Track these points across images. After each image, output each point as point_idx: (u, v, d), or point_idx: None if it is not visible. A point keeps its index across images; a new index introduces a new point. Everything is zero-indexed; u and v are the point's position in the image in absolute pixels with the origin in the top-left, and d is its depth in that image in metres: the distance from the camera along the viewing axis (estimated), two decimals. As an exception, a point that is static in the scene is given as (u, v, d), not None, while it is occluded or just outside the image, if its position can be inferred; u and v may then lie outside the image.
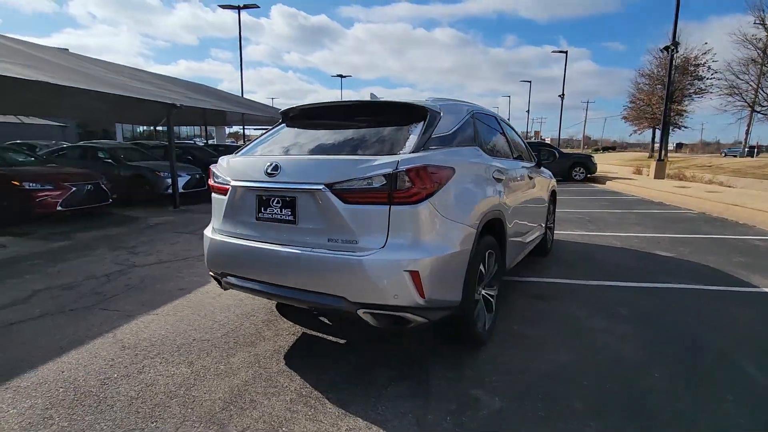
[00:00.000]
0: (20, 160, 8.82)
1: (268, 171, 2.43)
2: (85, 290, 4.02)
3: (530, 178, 4.07)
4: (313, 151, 2.65)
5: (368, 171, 2.18)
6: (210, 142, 29.17)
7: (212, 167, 2.86)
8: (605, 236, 6.48)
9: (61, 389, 2.38)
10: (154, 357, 2.75)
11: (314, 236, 2.32)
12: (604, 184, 15.04)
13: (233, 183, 2.61)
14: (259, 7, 23.04)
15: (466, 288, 2.48)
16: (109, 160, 10.30)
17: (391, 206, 2.16)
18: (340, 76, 39.63)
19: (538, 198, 4.47)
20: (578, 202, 10.61)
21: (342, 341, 3.01)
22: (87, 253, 5.51)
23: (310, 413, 2.17)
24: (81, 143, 13.00)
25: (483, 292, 2.91)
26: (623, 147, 64.32)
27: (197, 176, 10.49)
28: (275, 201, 2.44)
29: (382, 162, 2.19)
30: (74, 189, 7.62)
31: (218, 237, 2.71)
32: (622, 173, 19.77)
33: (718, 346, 2.90)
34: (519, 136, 4.52)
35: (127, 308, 3.59)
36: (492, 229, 2.97)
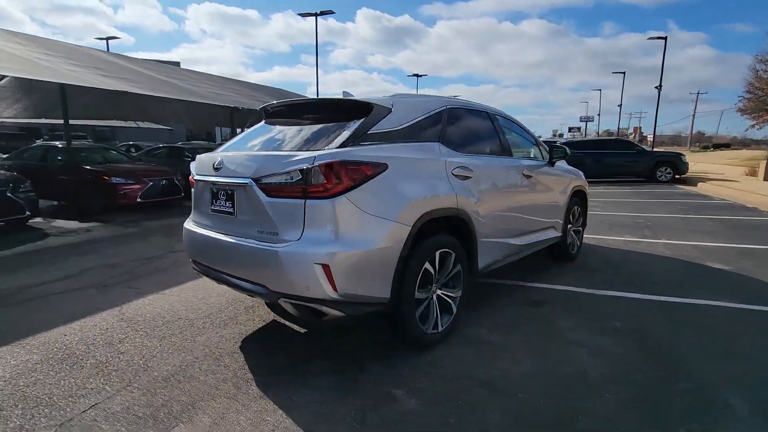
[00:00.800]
0: (115, 156, 10.29)
1: (215, 166, 2.64)
2: (123, 270, 4.65)
3: (530, 176, 3.81)
4: (263, 147, 2.81)
5: (287, 166, 2.28)
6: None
7: (191, 163, 3.16)
8: (655, 243, 5.78)
9: (55, 349, 2.83)
10: (139, 330, 3.13)
11: (247, 227, 2.47)
12: (695, 186, 13.19)
13: (195, 177, 2.88)
14: (334, 12, 24.10)
15: (398, 286, 2.45)
16: (61, 162, 9.02)
17: (306, 200, 2.24)
18: (416, 75, 39.71)
19: (547, 197, 4.17)
20: (645, 205, 9.49)
21: (302, 331, 3.14)
22: (145, 238, 6.32)
23: (231, 392, 2.33)
24: (40, 143, 14.84)
25: (439, 292, 2.84)
26: (744, 144, 55.45)
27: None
28: (222, 194, 2.65)
29: (301, 158, 2.27)
30: (151, 183, 8.74)
31: (190, 226, 3.00)
32: (730, 174, 17.14)
33: (706, 377, 2.49)
34: (525, 132, 4.26)
35: (146, 287, 4.09)
36: (452, 227, 2.89)
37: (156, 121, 25.06)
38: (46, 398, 2.28)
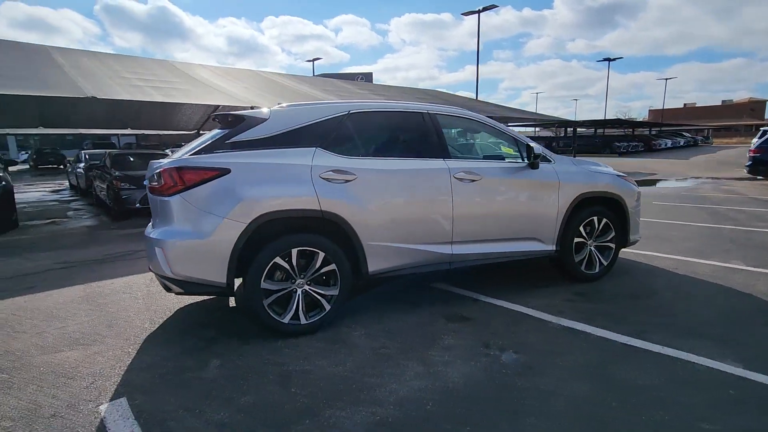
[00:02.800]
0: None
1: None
2: (119, 256, 5.63)
3: (475, 180, 3.46)
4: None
5: (153, 171, 2.91)
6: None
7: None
8: (701, 264, 4.26)
9: (14, 308, 3.99)
10: (82, 303, 3.89)
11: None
12: None
13: None
14: (497, 6, 23.30)
15: (239, 275, 2.82)
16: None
17: (158, 198, 2.83)
18: (608, 59, 34.58)
19: (516, 204, 3.67)
20: None
21: (233, 305, 3.74)
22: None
23: (112, 333, 3.12)
24: None
25: (306, 287, 3.04)
26: None
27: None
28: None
29: (161, 164, 2.87)
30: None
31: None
32: None
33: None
34: (502, 133, 3.84)
35: (123, 270, 4.90)
36: (326, 228, 3.03)
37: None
38: (46, 319, 3.50)
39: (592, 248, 4.10)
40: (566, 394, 2.32)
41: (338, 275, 3.08)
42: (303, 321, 3.02)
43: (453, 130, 4.14)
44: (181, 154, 3.04)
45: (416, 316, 3.39)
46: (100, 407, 2.27)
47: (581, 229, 3.98)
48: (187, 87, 10.65)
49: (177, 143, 25.20)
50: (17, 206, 9.20)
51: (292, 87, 13.66)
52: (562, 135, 34.05)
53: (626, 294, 3.79)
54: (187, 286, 2.84)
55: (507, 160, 3.86)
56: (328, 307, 3.09)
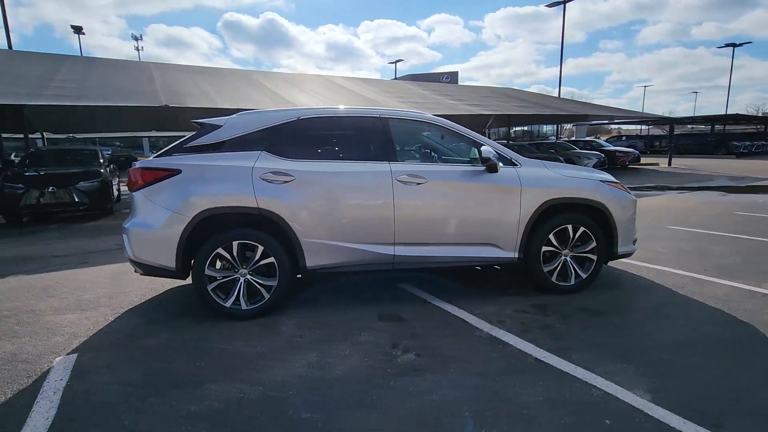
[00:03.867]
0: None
1: None
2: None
3: (420, 183, 3.49)
4: None
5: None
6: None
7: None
8: (719, 285, 3.58)
9: (60, 278, 4.92)
10: (108, 278, 4.68)
11: None
12: None
13: None
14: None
15: (187, 261, 3.27)
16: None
17: (131, 192, 3.39)
18: (732, 45, 29.60)
19: (467, 208, 3.62)
20: None
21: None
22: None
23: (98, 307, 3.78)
24: None
25: (249, 277, 3.39)
26: None
27: None
28: None
29: (134, 164, 3.43)
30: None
31: None
32: None
33: None
34: (460, 136, 3.82)
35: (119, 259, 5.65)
36: (266, 224, 3.36)
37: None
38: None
39: (568, 258, 3.84)
40: (431, 398, 2.33)
41: (277, 268, 3.38)
42: (243, 306, 3.38)
43: (431, 136, 4.18)
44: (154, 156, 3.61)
45: (356, 312, 3.55)
46: (57, 359, 2.85)
47: (551, 237, 3.75)
48: (259, 96, 11.80)
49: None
50: (122, 197, 11.13)
51: (356, 90, 14.29)
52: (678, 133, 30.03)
53: (592, 310, 3.50)
54: (146, 268, 3.37)
55: (471, 164, 3.79)
56: (267, 296, 3.40)
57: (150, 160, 3.43)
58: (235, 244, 3.32)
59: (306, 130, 3.57)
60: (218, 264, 3.39)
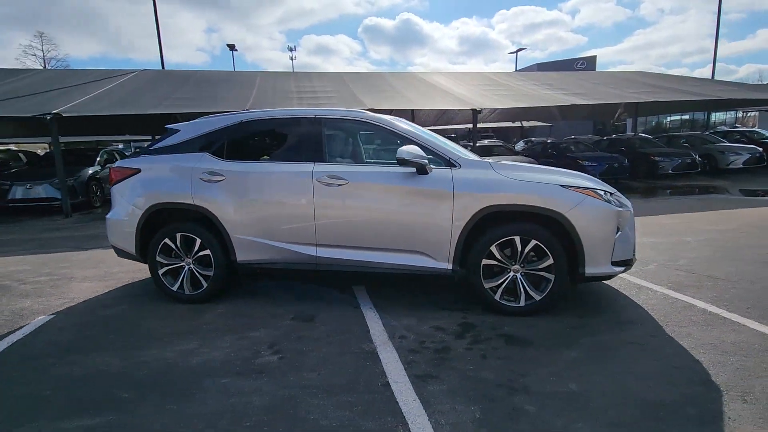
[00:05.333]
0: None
1: None
2: None
3: (342, 184, 3.40)
4: None
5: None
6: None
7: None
8: (732, 323, 2.51)
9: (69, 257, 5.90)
10: (113, 259, 5.48)
11: None
12: None
13: None
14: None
15: (144, 248, 3.81)
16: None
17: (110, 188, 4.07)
18: None
19: (384, 211, 3.41)
20: None
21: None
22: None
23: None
24: None
25: (192, 266, 3.78)
26: None
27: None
28: None
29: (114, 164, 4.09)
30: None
31: None
32: None
33: None
34: (398, 136, 3.54)
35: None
36: (202, 221, 3.70)
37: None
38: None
39: (518, 276, 3.29)
40: (238, 401, 2.33)
41: (212, 260, 3.69)
42: (186, 292, 3.77)
43: (376, 136, 4.00)
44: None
45: (280, 309, 3.63)
46: (36, 319, 3.61)
47: (494, 249, 3.26)
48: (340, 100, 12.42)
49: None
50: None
51: (451, 88, 13.92)
52: None
53: (517, 338, 2.95)
54: (118, 252, 4.01)
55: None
56: (205, 284, 3.74)
57: (120, 161, 4.06)
58: (178, 235, 3.72)
59: (246, 132, 3.79)
60: (172, 253, 3.84)
